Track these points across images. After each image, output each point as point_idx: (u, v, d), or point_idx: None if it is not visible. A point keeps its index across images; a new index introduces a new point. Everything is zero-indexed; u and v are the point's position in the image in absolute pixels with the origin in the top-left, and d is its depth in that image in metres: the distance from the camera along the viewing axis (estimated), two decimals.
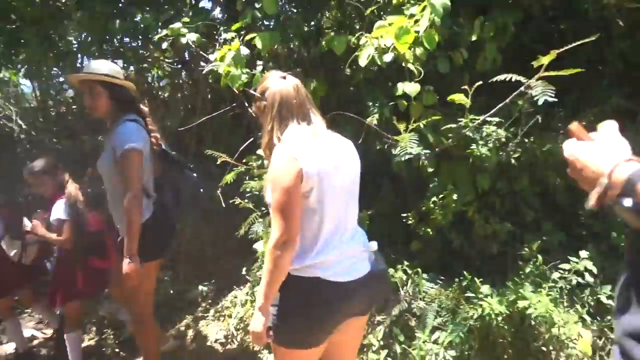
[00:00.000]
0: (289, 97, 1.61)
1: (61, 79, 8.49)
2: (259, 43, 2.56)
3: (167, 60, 3.95)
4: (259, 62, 2.83)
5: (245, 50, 2.56)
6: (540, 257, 2.68)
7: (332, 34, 2.61)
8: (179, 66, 4.00)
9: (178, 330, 3.44)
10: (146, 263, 2.37)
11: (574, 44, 1.79)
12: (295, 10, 3.11)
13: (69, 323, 3.08)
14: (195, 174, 2.73)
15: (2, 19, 3.62)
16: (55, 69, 5.30)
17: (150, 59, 3.89)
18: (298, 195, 1.49)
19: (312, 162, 1.50)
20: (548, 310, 2.45)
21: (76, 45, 4.34)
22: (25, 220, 3.16)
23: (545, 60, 1.85)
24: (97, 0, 3.56)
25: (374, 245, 1.72)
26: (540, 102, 1.95)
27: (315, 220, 1.55)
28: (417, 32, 2.23)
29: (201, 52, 3.06)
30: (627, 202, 0.66)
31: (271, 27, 2.87)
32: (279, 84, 1.63)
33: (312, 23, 3.01)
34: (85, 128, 6.41)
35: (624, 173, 0.70)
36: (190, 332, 3.41)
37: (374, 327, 2.76)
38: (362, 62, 2.35)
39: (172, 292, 3.74)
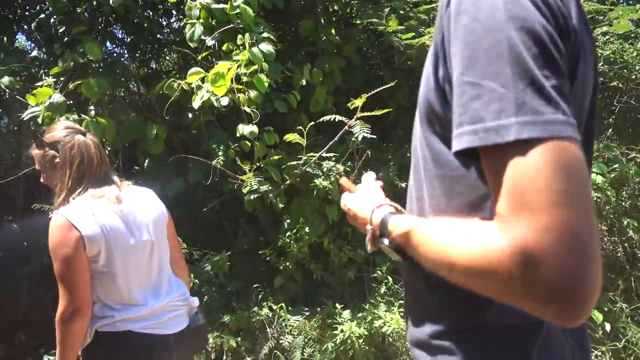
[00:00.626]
0: (88, 156, 1.57)
1: None
2: (85, 91, 2.42)
3: None
4: (91, 108, 2.66)
5: (58, 97, 2.38)
6: (390, 278, 2.95)
7: (166, 79, 2.60)
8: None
9: None
10: None
11: (380, 88, 2.06)
12: (126, 55, 3.01)
13: None
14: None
15: None
16: None
17: None
18: (81, 263, 1.47)
19: (93, 226, 1.48)
20: (400, 325, 2.70)
21: None
22: None
23: (358, 102, 2.10)
24: None
25: (195, 301, 1.77)
26: (360, 139, 2.20)
27: (112, 280, 1.54)
28: (247, 75, 2.36)
29: (17, 97, 2.76)
30: (385, 241, 0.77)
31: (100, 70, 2.73)
32: (78, 139, 1.58)
33: (153, 66, 2.95)
34: None
35: (377, 217, 0.82)
36: None
37: None
38: (196, 104, 2.38)
39: None
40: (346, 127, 2.25)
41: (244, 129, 2.47)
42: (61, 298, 1.45)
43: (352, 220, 0.96)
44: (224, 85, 2.25)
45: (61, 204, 1.53)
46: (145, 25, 3.20)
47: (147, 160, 3.13)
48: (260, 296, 3.03)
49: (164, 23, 3.65)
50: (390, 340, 2.72)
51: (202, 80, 2.43)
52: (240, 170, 2.65)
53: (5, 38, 3.17)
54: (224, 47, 2.54)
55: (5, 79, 2.60)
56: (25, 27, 3.54)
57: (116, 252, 1.53)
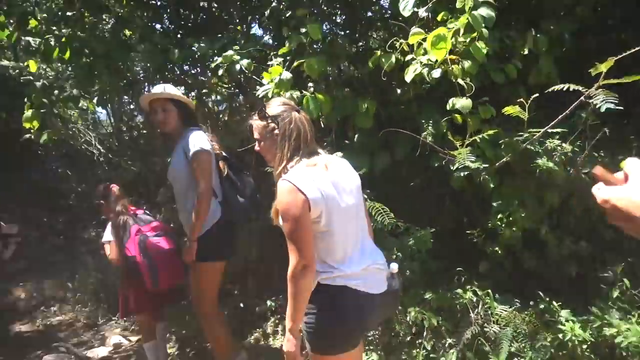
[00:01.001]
0: (303, 130, 1.77)
1: (132, 106, 9.27)
2: (307, 70, 2.66)
3: (224, 85, 4.18)
4: (310, 85, 2.92)
5: (287, 75, 2.67)
6: (626, 280, 2.49)
7: (380, 53, 2.64)
8: (236, 90, 4.21)
9: (248, 344, 3.58)
10: (212, 263, 2.80)
11: (633, 50, 1.66)
12: (342, 33, 3.17)
13: (143, 334, 3.38)
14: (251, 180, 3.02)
15: (77, 55, 4.07)
16: (125, 97, 5.82)
17: (208, 85, 4.14)
18: (307, 223, 1.65)
19: (315, 191, 1.65)
20: None
21: (142, 75, 4.75)
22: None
23: (603, 67, 1.75)
24: (156, 33, 3.87)
25: (395, 267, 1.88)
26: (602, 110, 1.84)
27: (330, 240, 1.71)
28: (463, 43, 2.21)
29: (254, 77, 3.22)
30: None
31: (319, 50, 2.96)
32: (294, 114, 1.78)
33: (361, 44, 3.06)
34: (155, 150, 6.95)
35: None
36: (260, 347, 3.54)
37: (445, 350, 2.73)
38: (408, 78, 2.37)
39: (241, 305, 3.91)
40: (582, 98, 1.91)
41: (457, 102, 2.35)
42: (292, 255, 1.65)
43: (622, 220, 0.77)
44: (444, 48, 2.16)
45: (282, 172, 1.75)
46: (358, 3, 3.32)
47: (356, 135, 3.30)
48: (463, 279, 2.93)
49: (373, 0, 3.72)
50: (623, 354, 2.32)
51: (418, 46, 2.38)
52: (449, 145, 2.56)
53: (244, 27, 3.72)
54: (438, 17, 2.44)
55: (245, 62, 3.05)
56: (257, 16, 4.08)
57: (333, 214, 1.70)
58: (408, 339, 2.87)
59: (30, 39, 3.89)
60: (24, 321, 4.83)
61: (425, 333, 2.74)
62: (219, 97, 4.78)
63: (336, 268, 1.73)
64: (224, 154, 2.97)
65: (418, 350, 2.82)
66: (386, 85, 2.94)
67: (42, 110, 3.95)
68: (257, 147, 1.91)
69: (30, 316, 4.89)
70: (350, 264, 1.75)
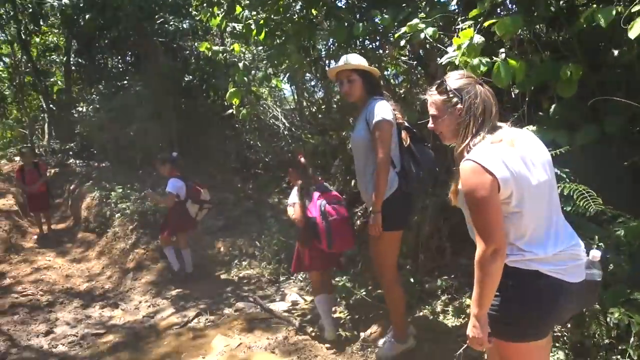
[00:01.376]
0: (488, 105, 1.65)
1: (312, 83, 9.92)
2: (498, 30, 2.44)
3: (402, 57, 4.15)
4: (502, 50, 2.68)
5: (478, 38, 2.48)
6: None
7: (595, 6, 2.26)
8: (414, 62, 4.14)
9: (416, 320, 3.60)
10: (391, 232, 2.86)
11: None
12: None
13: (313, 288, 3.83)
14: (431, 152, 2.99)
15: (271, 36, 4.50)
16: (308, 74, 6.24)
17: (386, 58, 4.15)
18: (497, 205, 1.55)
19: (504, 169, 1.54)
20: None
21: (324, 52, 5.02)
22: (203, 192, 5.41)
23: None
24: (342, 8, 4.02)
25: (597, 254, 1.69)
26: None
27: (520, 221, 1.60)
28: None
29: (438, 45, 3.10)
30: None
31: (513, 11, 2.69)
32: (479, 88, 1.66)
33: (563, 1, 2.67)
34: (333, 124, 7.33)
35: None
36: (428, 324, 3.51)
37: None
38: (633, 34, 1.97)
39: (412, 280, 3.94)
40: None
41: None
42: (480, 239, 1.56)
43: None
44: None
45: (464, 150, 1.64)
46: None
47: (553, 105, 2.94)
48: None
49: None
50: None
51: None
52: None
53: None
54: None
55: (430, 30, 2.95)
56: None
57: (524, 193, 1.58)
58: (606, 342, 2.52)
59: (235, 24, 4.43)
60: (222, 271, 5.68)
61: (632, 339, 2.35)
62: (396, 70, 4.78)
63: (526, 251, 1.62)
64: (406, 124, 2.97)
65: (619, 357, 2.45)
66: (597, 46, 2.52)
67: (242, 88, 4.49)
68: (430, 125, 1.82)
69: (227, 267, 5.72)
70: (542, 247, 1.61)
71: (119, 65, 10.94)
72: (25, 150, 7.68)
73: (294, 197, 3.57)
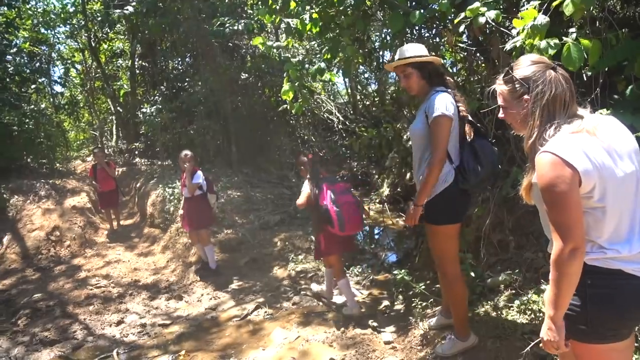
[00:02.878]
0: (560, 92, 1.51)
1: (366, 75, 9.83)
2: (567, 9, 2.26)
3: (460, 44, 3.98)
4: (572, 30, 2.49)
5: (542, 19, 2.31)
6: None
7: None
8: (474, 49, 3.96)
9: (477, 315, 3.46)
10: (446, 226, 2.82)
11: None
12: None
13: (335, 272, 4.20)
14: (495, 149, 2.83)
15: (326, 29, 4.48)
16: (361, 67, 6.18)
17: (444, 46, 4.01)
18: (577, 200, 1.44)
19: (586, 161, 1.43)
20: None
21: (378, 44, 4.93)
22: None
23: None
24: None
25: None
26: None
27: (602, 216, 1.48)
28: None
29: (501, 29, 2.94)
30: None
31: None
32: (549, 74, 1.52)
33: None
34: (387, 116, 7.22)
35: None
36: (489, 320, 3.37)
37: None
38: None
39: (473, 275, 3.80)
40: None
41: None
42: (557, 237, 1.45)
43: None
44: None
45: (536, 143, 1.52)
46: None
47: (630, 87, 2.70)
48: None
49: None
50: None
51: None
52: None
53: None
54: None
55: (492, 13, 2.80)
56: None
57: (608, 186, 1.46)
58: None
59: (289, 20, 4.44)
60: (279, 265, 5.75)
61: None
62: (452, 59, 4.61)
63: (608, 249, 1.49)
64: (470, 117, 2.84)
65: None
66: None
67: (296, 83, 4.50)
68: (501, 114, 1.72)
69: (284, 261, 5.79)
70: (626, 245, 1.49)
71: (179, 67, 11.39)
72: (97, 151, 8.19)
73: (305, 188, 4.07)
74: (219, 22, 6.89)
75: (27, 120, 9.38)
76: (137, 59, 12.11)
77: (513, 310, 3.37)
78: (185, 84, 10.44)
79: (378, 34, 5.33)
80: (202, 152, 9.03)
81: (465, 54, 4.55)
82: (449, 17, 3.36)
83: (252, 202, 7.40)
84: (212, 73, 9.22)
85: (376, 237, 7.40)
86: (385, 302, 4.35)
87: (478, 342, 3.10)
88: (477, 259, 3.93)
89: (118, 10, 8.20)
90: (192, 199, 5.54)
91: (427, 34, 4.49)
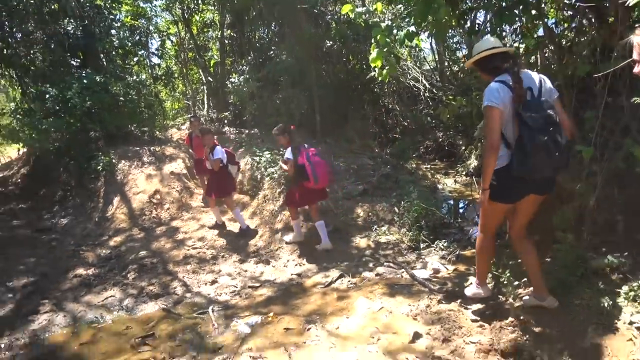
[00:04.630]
0: None
1: (455, 39, 9.24)
2: None
3: (566, 1, 3.55)
4: None
5: None
6: None
7: None
8: (585, 4, 3.52)
9: (578, 298, 3.22)
10: (493, 202, 3.01)
11: None
12: None
13: (312, 217, 5.56)
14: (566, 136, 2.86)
15: None
16: (450, 31, 5.80)
17: (547, 4, 3.60)
18: None
19: None
20: None
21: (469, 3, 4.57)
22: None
23: None
24: None
25: None
26: None
27: None
28: None
29: None
30: None
31: None
32: None
33: None
34: (477, 83, 6.78)
35: None
36: (595, 307, 3.11)
37: None
38: None
39: (574, 256, 3.52)
40: None
41: None
42: None
43: None
44: None
45: None
46: None
47: None
48: None
49: None
50: None
51: None
52: None
53: None
54: None
55: None
56: None
57: None
58: None
59: None
60: (362, 235, 5.77)
61: None
62: (558, 16, 4.16)
63: None
64: (528, 97, 2.85)
65: None
66: None
67: (384, 50, 4.34)
68: (637, 69, 1.51)
69: (366, 232, 5.80)
70: None
71: (265, 37, 11.55)
72: (193, 120, 8.49)
73: (288, 154, 5.26)
74: None
75: (131, 91, 10.13)
76: (225, 29, 12.47)
77: (619, 297, 3.09)
78: (271, 53, 10.59)
79: None
80: (287, 120, 9.18)
81: (572, 12, 4.08)
82: None
83: (335, 171, 7.43)
84: (297, 41, 9.24)
85: (461, 211, 7.14)
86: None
87: (578, 328, 2.90)
88: (579, 239, 3.63)
89: None
90: (214, 170, 6.24)
91: None
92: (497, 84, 2.86)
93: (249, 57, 11.49)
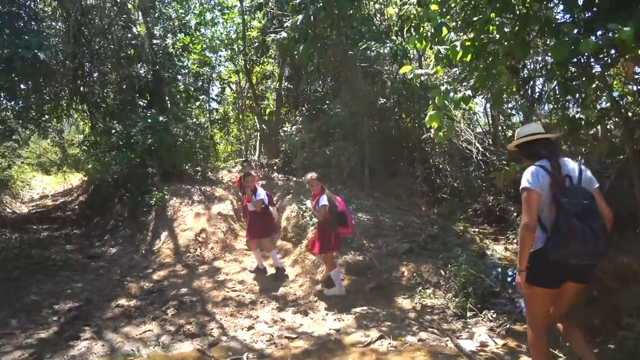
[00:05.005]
0: None
1: (510, 104, 9.18)
2: None
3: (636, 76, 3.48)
4: None
5: None
6: None
7: None
8: None
9: None
10: (531, 286, 2.96)
11: None
12: None
13: (329, 265, 5.69)
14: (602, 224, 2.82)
15: (478, 57, 4.30)
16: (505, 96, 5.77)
17: (612, 78, 3.53)
18: None
19: None
20: None
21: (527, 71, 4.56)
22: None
23: None
24: (565, 23, 3.58)
25: None
26: None
27: None
28: None
29: None
30: None
31: None
32: None
33: None
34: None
35: None
36: None
37: None
38: None
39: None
40: None
41: None
42: None
43: None
44: None
45: None
46: None
47: None
48: None
49: None
50: None
51: None
52: None
53: None
54: None
55: None
56: None
57: None
58: None
59: (440, 47, 4.36)
60: (405, 296, 5.56)
61: None
62: (619, 92, 4.06)
63: None
64: (566, 183, 2.91)
65: None
66: None
67: (442, 112, 4.37)
68: None
69: (410, 293, 5.59)
70: None
71: (321, 90, 11.96)
72: (246, 164, 8.77)
73: (324, 201, 5.55)
74: (364, 46, 7.07)
75: (189, 132, 10.64)
76: (283, 81, 13.02)
77: None
78: (325, 106, 10.91)
79: (532, 59, 4.94)
80: (336, 172, 9.27)
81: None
82: (633, 45, 2.94)
83: (381, 227, 7.34)
84: (352, 96, 9.48)
85: (511, 280, 6.77)
86: (525, 358, 3.91)
87: None
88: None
89: (273, 35, 8.92)
90: (256, 211, 6.45)
91: (595, 64, 4.02)
92: (536, 168, 2.95)
93: (303, 109, 11.88)
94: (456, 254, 6.07)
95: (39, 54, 7.26)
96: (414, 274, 5.91)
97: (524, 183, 2.92)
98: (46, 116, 10.96)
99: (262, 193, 6.53)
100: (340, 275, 5.79)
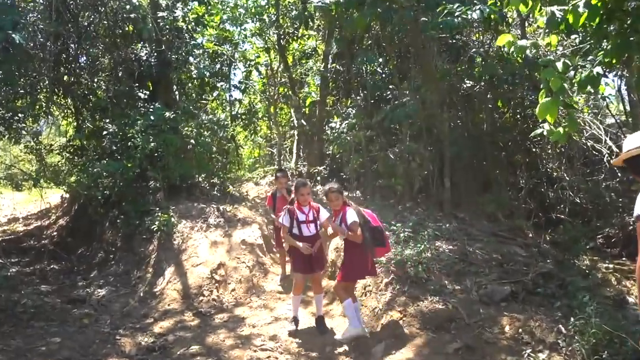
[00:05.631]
0: None
1: None
2: None
3: None
4: None
5: None
6: None
7: None
8: None
9: None
10: None
11: None
12: None
13: (350, 294, 6.10)
14: None
15: (608, 21, 4.14)
16: None
17: None
18: None
19: None
20: None
21: None
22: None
23: None
24: None
25: None
26: None
27: None
28: None
29: None
30: None
31: None
32: None
33: None
34: None
35: None
36: None
37: None
38: None
39: None
40: None
41: None
42: None
43: None
44: None
45: None
46: None
47: None
48: None
49: None
50: None
51: None
52: None
53: None
54: None
55: None
56: None
57: None
58: None
59: (555, 8, 4.21)
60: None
61: None
62: None
63: None
64: None
65: None
66: None
67: (559, 98, 4.20)
68: None
69: (516, 356, 5.38)
70: None
71: (382, 72, 11.89)
72: (280, 175, 8.49)
73: (354, 217, 5.83)
74: (446, 11, 6.95)
75: (204, 132, 10.86)
76: (330, 61, 13.08)
77: None
78: (388, 93, 10.83)
79: None
80: (404, 184, 9.14)
81: None
82: None
83: (469, 261, 7.16)
84: (426, 80, 9.36)
85: None
86: None
87: None
88: None
89: (317, 1, 8.97)
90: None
91: None
92: None
93: (358, 98, 11.86)
94: (581, 302, 5.86)
95: (13, 35, 7.60)
96: (519, 330, 5.72)
97: (637, 211, 3.06)
98: (19, 115, 11.34)
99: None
100: (359, 310, 6.10)
